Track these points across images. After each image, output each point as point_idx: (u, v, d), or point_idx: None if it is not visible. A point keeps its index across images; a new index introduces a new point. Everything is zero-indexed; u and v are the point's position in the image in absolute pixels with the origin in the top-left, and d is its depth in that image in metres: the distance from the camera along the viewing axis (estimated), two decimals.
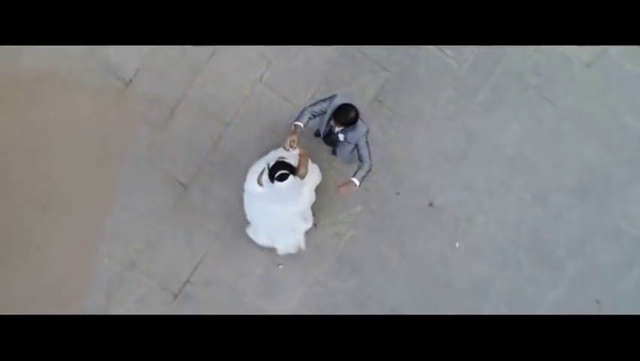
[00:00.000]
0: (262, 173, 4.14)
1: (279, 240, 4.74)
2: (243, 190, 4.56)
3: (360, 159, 4.10)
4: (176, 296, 4.94)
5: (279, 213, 4.38)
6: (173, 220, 4.98)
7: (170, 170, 5.02)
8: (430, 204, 5.04)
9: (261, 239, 4.77)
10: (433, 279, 5.01)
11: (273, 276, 4.99)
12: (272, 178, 3.97)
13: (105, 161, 5.05)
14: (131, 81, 5.07)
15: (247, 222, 4.77)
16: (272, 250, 4.88)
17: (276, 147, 4.65)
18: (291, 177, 3.95)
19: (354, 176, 4.12)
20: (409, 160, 5.03)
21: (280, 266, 4.96)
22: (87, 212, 5.00)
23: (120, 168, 5.03)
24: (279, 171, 3.98)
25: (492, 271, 5.03)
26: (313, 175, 4.41)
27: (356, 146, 4.09)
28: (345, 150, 4.23)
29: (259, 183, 4.16)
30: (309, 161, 4.23)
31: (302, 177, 4.09)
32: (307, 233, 4.79)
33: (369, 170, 4.14)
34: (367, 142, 4.11)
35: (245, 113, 5.06)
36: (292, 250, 4.78)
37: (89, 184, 5.02)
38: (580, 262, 5.05)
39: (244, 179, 4.47)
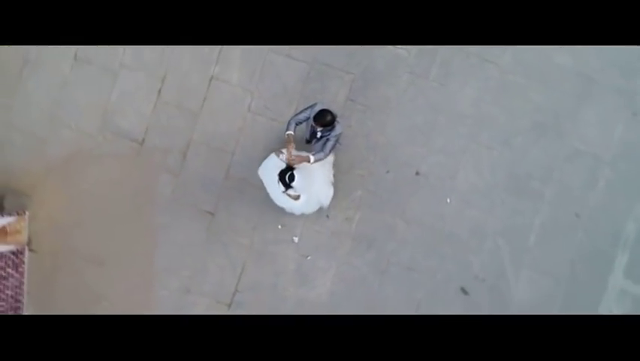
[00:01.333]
0: (289, 194, 5.00)
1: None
2: (284, 209, 5.51)
3: (323, 149, 4.92)
4: (229, 306, 5.81)
5: (319, 184, 5.34)
6: (210, 243, 5.85)
7: (196, 203, 5.88)
8: (417, 173, 5.90)
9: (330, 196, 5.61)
10: (436, 233, 5.87)
11: (305, 268, 5.85)
12: (289, 186, 4.85)
13: (140, 211, 5.92)
14: (143, 140, 5.95)
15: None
16: (298, 247, 5.81)
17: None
18: (295, 170, 4.82)
19: (313, 155, 4.92)
20: (389, 142, 5.90)
21: (308, 257, 5.83)
22: (137, 257, 5.87)
23: (154, 214, 5.90)
24: (285, 178, 4.84)
25: (483, 215, 5.89)
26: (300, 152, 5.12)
27: (327, 139, 4.93)
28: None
29: (297, 198, 5.06)
30: (288, 151, 4.92)
31: (295, 162, 4.88)
32: (322, 225, 5.82)
33: (324, 157, 4.98)
34: (337, 141, 4.98)
35: (244, 141, 5.93)
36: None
37: (133, 234, 5.89)
38: (553, 187, 5.90)
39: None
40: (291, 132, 4.90)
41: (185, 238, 5.87)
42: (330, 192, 5.59)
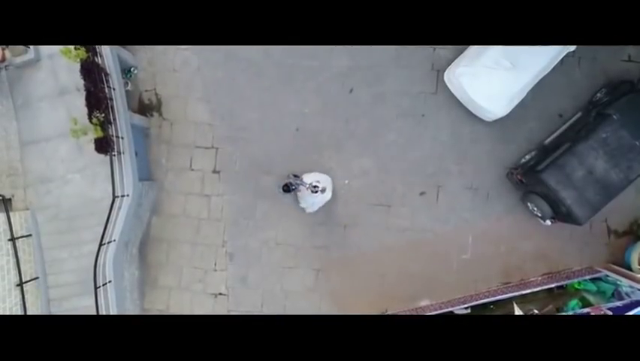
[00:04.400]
0: (318, 191, 9.13)
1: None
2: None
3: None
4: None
5: (328, 181, 9.70)
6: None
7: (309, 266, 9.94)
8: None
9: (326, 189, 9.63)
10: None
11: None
12: (290, 191, 9.22)
13: None
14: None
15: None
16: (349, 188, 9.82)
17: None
18: (296, 188, 9.35)
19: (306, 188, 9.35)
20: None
21: (346, 182, 9.80)
22: None
23: None
24: (288, 189, 9.14)
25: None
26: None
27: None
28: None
29: (324, 191, 9.43)
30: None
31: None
32: (339, 207, 9.85)
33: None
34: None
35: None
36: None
37: None
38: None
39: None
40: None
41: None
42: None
